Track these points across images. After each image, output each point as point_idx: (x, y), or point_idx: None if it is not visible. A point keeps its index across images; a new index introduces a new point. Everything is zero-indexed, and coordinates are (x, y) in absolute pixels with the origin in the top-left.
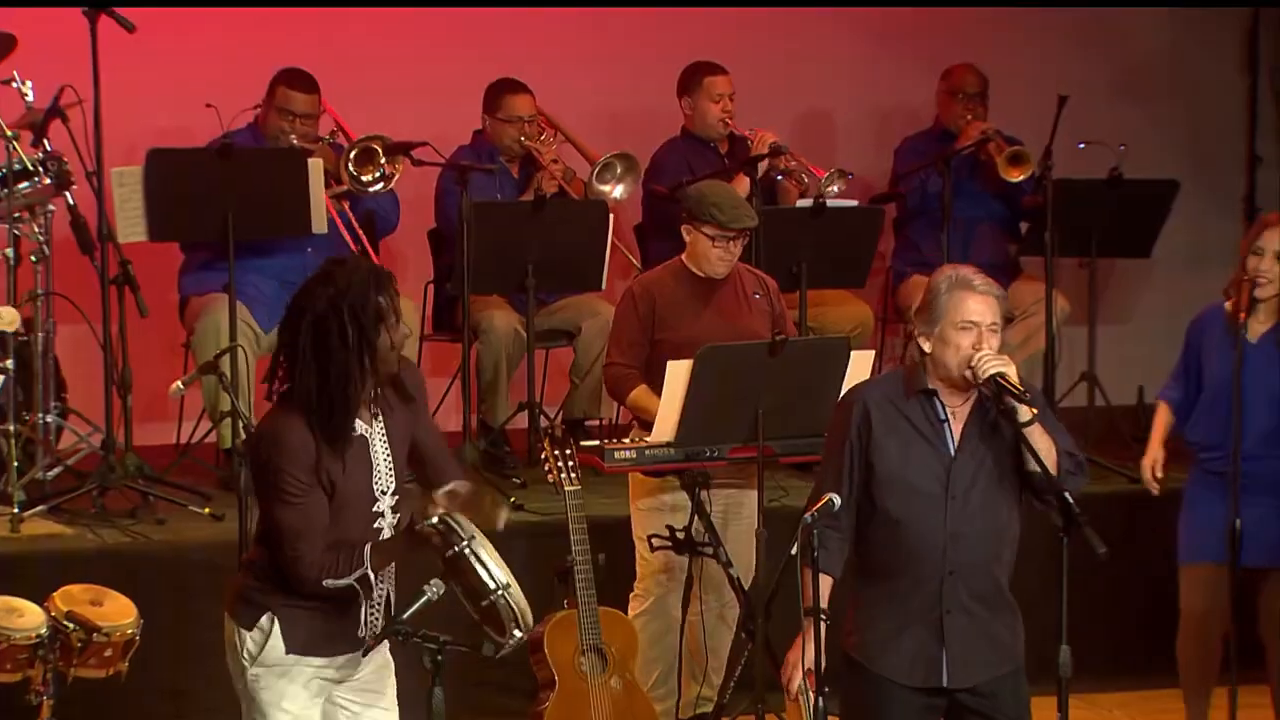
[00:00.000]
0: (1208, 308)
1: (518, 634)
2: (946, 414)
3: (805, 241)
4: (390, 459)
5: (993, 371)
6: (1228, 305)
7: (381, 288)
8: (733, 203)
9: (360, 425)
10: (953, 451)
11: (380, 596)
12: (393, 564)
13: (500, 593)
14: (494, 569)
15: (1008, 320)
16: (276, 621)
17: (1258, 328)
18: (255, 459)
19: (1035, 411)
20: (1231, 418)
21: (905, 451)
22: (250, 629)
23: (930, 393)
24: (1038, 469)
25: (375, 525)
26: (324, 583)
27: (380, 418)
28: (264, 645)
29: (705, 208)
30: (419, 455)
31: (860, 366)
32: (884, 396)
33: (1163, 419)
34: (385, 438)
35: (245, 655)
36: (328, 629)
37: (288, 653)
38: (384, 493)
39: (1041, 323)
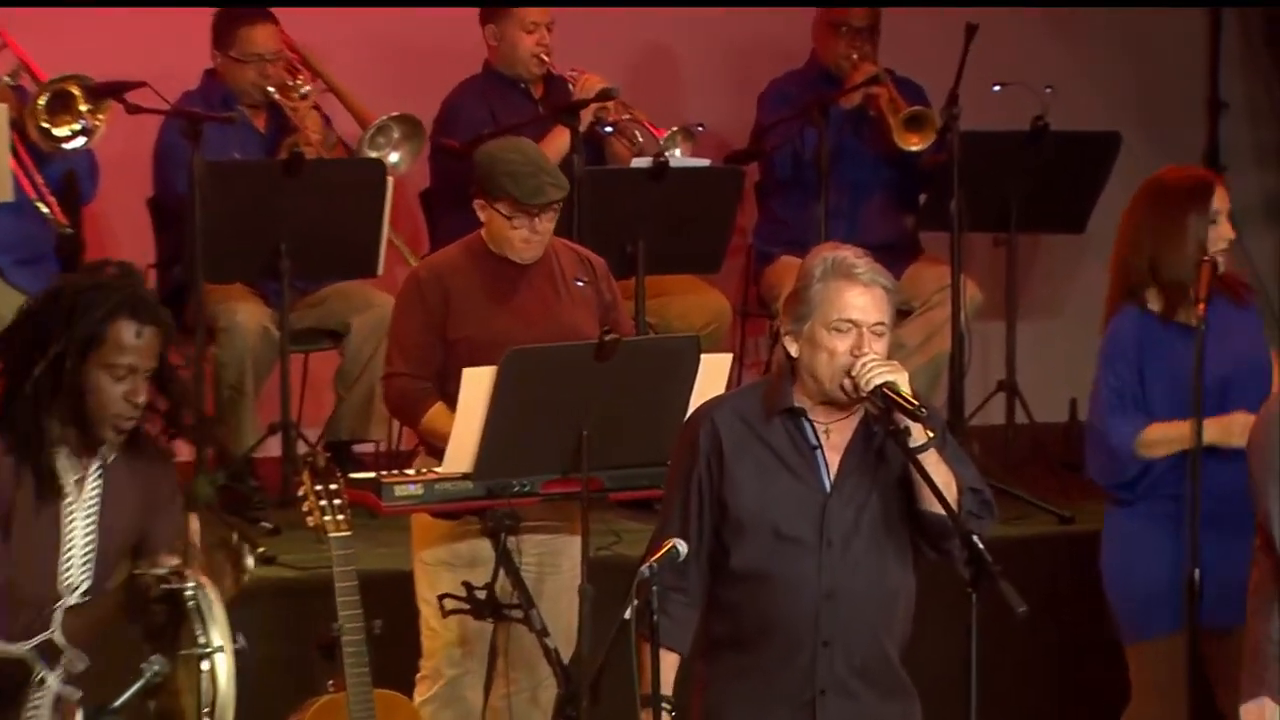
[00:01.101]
0: (1124, 316)
1: None
2: (819, 438)
3: (643, 213)
4: (92, 550)
5: (879, 381)
6: (1152, 304)
7: (114, 315)
8: (532, 168)
9: (66, 481)
10: (828, 486)
11: (49, 691)
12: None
13: (212, 653)
14: (213, 628)
15: (904, 313)
16: None
17: (1189, 312)
18: None
19: (933, 433)
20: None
21: (766, 486)
22: None
23: (797, 412)
24: (935, 507)
25: (47, 625)
26: None
27: (97, 494)
28: None
29: (497, 179)
30: (144, 548)
31: (714, 374)
32: (739, 415)
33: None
34: (95, 520)
35: None
36: None
37: None
38: (71, 588)
39: (946, 317)
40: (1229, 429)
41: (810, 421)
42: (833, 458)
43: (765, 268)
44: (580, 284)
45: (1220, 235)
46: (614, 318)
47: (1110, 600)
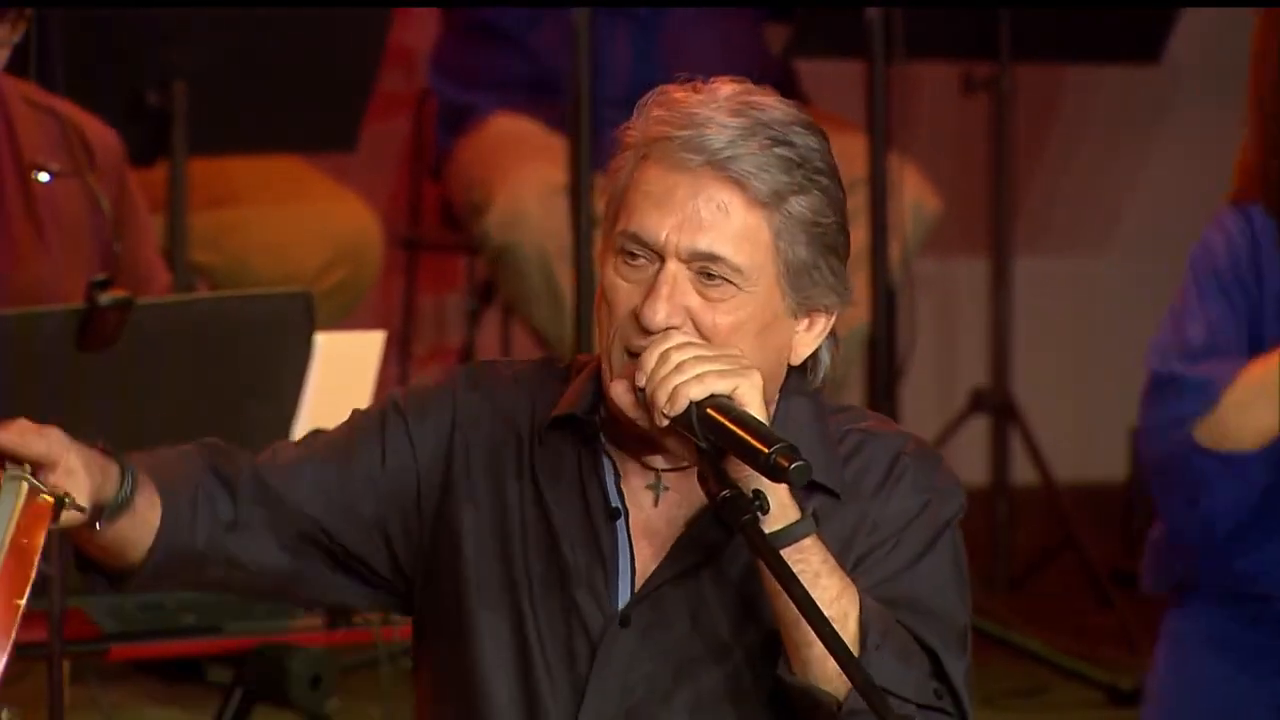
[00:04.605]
0: (1229, 220)
1: None
2: (621, 496)
3: (180, 28)
4: None
5: (695, 398)
6: None
7: None
8: None
9: None
10: (619, 601)
11: None
12: None
13: None
14: None
15: None
16: None
17: None
18: None
19: (798, 516)
20: None
21: (506, 569)
22: None
23: (586, 429)
24: (813, 673)
25: None
26: None
27: None
28: None
29: None
30: None
31: (350, 374)
32: (510, 403)
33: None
34: None
35: None
36: None
37: None
38: None
39: (858, 250)
40: None
41: (609, 456)
42: (645, 544)
43: (458, 141)
44: (45, 180)
45: None
46: (128, 251)
47: None
